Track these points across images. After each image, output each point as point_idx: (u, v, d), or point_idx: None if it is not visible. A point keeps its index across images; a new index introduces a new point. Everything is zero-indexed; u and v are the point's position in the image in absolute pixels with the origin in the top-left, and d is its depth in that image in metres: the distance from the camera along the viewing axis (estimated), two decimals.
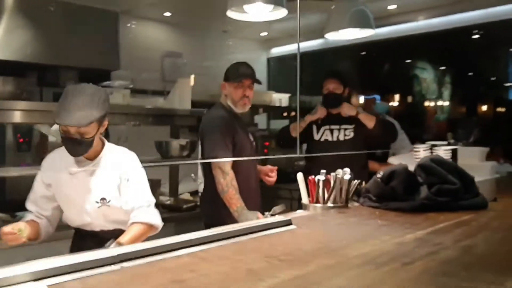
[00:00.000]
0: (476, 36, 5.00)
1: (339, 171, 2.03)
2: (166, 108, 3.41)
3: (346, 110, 3.23)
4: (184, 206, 3.23)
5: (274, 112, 5.87)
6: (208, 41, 5.35)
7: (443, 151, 2.75)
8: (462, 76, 5.19)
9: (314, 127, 3.33)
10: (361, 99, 4.79)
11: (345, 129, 3.27)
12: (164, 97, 3.62)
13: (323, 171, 1.99)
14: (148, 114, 3.20)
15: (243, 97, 2.73)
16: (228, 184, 2.52)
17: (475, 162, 3.24)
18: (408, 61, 5.82)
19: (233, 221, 2.40)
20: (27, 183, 2.22)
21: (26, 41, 3.82)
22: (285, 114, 5.45)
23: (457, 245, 1.23)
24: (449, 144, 3.84)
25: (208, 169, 2.65)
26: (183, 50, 5.17)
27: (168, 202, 3.41)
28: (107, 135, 2.55)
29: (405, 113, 5.46)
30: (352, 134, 3.25)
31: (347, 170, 2.02)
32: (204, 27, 5.21)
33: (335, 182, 1.92)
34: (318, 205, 1.90)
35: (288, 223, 1.50)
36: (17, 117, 2.90)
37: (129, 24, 4.78)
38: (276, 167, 2.82)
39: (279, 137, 3.63)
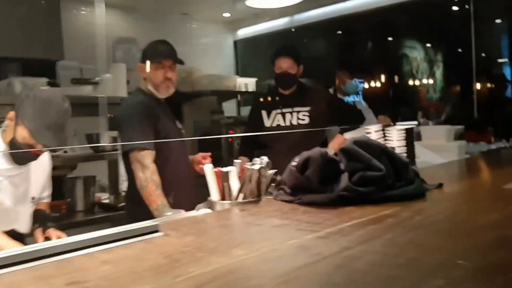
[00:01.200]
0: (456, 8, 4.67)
1: (257, 159, 1.72)
2: (89, 96, 3.09)
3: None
4: (120, 205, 2.93)
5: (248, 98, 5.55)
6: (167, 25, 5.02)
7: (397, 132, 2.43)
8: (453, 53, 4.86)
9: (264, 112, 3.01)
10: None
11: (298, 111, 2.94)
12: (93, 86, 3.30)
13: (237, 161, 1.69)
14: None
15: (165, 79, 2.41)
16: (147, 178, 2.22)
17: (442, 143, 2.93)
18: (390, 38, 5.51)
19: None
20: None
21: None
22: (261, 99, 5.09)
23: (341, 254, 0.92)
24: (419, 124, 3.53)
25: (129, 164, 2.34)
26: (138, 36, 4.84)
27: (107, 201, 3.11)
28: None
29: (394, 94, 5.16)
30: (307, 119, 2.93)
31: (264, 158, 1.71)
32: (160, 10, 4.88)
33: (245, 174, 1.61)
34: (226, 202, 1.60)
35: (153, 229, 1.18)
36: None
37: (74, 10, 4.46)
38: (209, 153, 2.50)
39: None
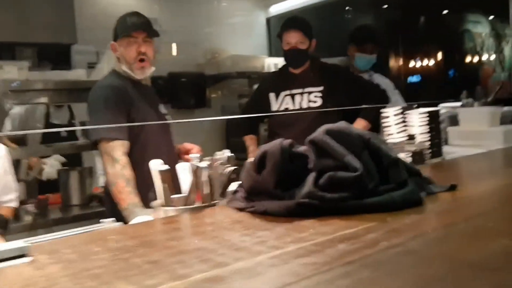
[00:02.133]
0: None
1: (217, 153, 1.40)
2: (80, 81, 2.85)
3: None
4: None
5: None
6: (191, 4, 4.72)
7: (418, 116, 2.02)
8: None
9: (272, 95, 2.64)
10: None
11: (310, 92, 2.56)
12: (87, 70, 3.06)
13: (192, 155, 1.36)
14: (60, 89, 2.66)
15: (138, 55, 2.10)
16: (116, 173, 1.94)
17: (483, 128, 2.45)
18: (445, 12, 4.93)
19: None
20: None
21: None
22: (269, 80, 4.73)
23: None
24: (462, 106, 3.02)
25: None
26: (159, 16, 4.57)
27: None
28: None
29: (455, 73, 4.64)
30: (319, 101, 2.54)
31: (226, 152, 1.38)
32: None
33: (193, 172, 1.28)
34: (169, 208, 1.28)
35: (21, 253, 0.89)
36: None
37: None
38: (197, 146, 2.19)
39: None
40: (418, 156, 1.90)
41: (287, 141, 1.18)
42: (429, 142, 1.98)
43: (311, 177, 1.12)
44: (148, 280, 0.70)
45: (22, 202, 2.51)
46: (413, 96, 4.01)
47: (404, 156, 1.88)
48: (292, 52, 2.52)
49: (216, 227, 1.04)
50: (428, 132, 1.98)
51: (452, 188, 1.26)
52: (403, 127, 2.03)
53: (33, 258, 0.86)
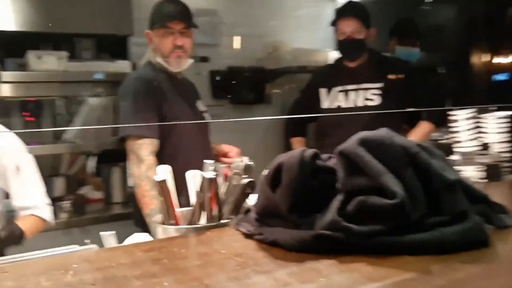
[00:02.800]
0: None
1: (237, 160, 1.17)
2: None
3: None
4: None
5: None
6: None
7: (494, 120, 1.68)
8: None
9: (323, 90, 2.36)
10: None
11: (367, 89, 2.26)
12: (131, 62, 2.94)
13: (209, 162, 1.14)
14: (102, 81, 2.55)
15: (175, 48, 1.91)
16: (141, 175, 1.77)
17: None
18: None
19: None
20: None
21: (35, 9, 3.41)
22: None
23: None
24: None
25: None
26: (219, 7, 4.40)
27: None
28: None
29: None
30: (377, 99, 2.23)
31: (244, 159, 1.15)
32: None
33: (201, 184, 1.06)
34: (167, 227, 1.07)
35: None
36: None
37: None
38: (236, 148, 1.98)
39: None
40: (492, 170, 1.56)
41: (309, 151, 0.92)
42: (509, 154, 1.63)
43: (336, 201, 0.86)
44: None
45: (59, 199, 2.42)
46: (499, 97, 3.54)
47: (473, 170, 1.55)
48: (347, 43, 2.24)
49: (204, 262, 0.81)
50: (509, 141, 1.63)
51: None
52: (476, 134, 1.69)
53: None
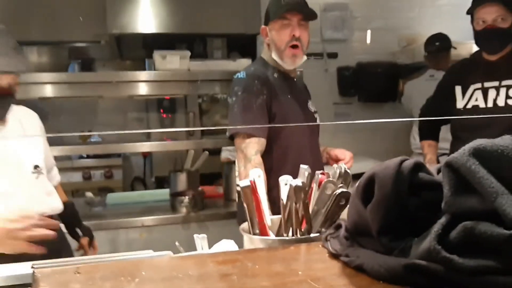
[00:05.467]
0: None
1: (335, 167, 1.07)
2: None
3: None
4: None
5: None
6: None
7: None
8: None
9: (459, 88, 2.10)
10: None
11: (509, 86, 1.94)
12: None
13: (287, 177, 1.04)
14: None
15: (292, 40, 1.85)
16: (247, 175, 1.71)
17: None
18: None
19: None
20: None
21: (170, 11, 3.64)
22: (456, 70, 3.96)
23: None
24: None
25: None
26: (351, 1, 4.22)
27: None
28: None
29: None
30: None
31: (341, 166, 1.04)
32: None
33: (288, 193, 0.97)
34: (253, 236, 0.99)
35: (21, 282, 0.71)
36: None
37: None
38: (350, 154, 1.83)
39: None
40: None
41: (410, 162, 0.77)
42: None
43: (438, 225, 0.70)
44: None
45: (181, 194, 2.51)
46: None
47: None
48: (487, 33, 1.94)
49: (273, 284, 0.72)
50: None
51: None
52: None
53: None
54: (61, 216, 1.74)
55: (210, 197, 2.67)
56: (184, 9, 3.44)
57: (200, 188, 2.58)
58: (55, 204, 1.71)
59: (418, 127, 2.48)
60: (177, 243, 1.20)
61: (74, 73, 3.40)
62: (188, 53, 2.68)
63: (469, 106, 2.03)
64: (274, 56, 1.94)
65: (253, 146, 1.79)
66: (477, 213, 0.67)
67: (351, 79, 4.17)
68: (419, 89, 3.40)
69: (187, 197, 2.44)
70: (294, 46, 1.90)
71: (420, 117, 2.43)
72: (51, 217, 1.61)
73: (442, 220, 0.70)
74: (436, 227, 0.70)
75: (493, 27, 1.92)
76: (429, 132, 2.31)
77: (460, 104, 2.05)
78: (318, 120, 2.01)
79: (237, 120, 1.85)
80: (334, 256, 0.82)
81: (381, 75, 4.14)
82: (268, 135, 1.84)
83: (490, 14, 1.93)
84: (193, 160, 2.71)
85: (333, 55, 4.21)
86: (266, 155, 1.82)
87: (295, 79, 2.02)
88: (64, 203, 1.76)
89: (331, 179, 0.99)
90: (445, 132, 2.29)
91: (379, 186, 0.77)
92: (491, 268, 0.63)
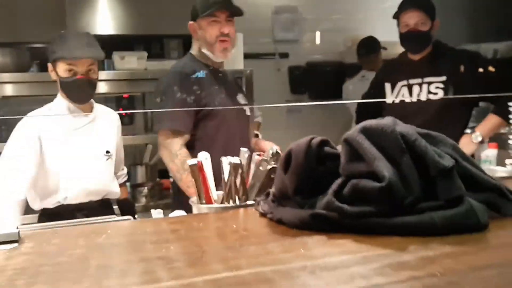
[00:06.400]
0: None
1: (270, 149, 1.28)
2: None
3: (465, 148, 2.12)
4: None
5: None
6: None
7: None
8: None
9: (388, 85, 2.36)
10: None
11: (430, 83, 2.22)
12: None
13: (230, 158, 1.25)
14: None
15: (221, 35, 1.98)
16: (179, 169, 1.88)
17: None
18: None
19: None
20: None
21: (128, 13, 3.76)
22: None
23: None
24: None
25: None
26: (300, 4, 4.47)
27: None
28: None
29: None
30: (441, 93, 2.19)
31: (273, 148, 1.25)
32: None
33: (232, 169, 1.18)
34: (201, 205, 1.20)
35: (8, 239, 0.89)
36: None
37: None
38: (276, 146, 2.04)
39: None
40: None
41: (317, 139, 1.00)
42: None
43: (335, 184, 0.93)
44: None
45: (140, 185, 2.68)
46: None
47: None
48: (410, 35, 2.21)
49: (214, 234, 0.93)
50: None
51: None
52: None
53: (15, 246, 0.86)
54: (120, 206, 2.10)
55: (167, 188, 2.84)
56: (142, 11, 3.58)
57: (158, 179, 2.76)
58: (116, 189, 2.09)
59: (355, 121, 2.73)
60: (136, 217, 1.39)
61: (34, 73, 3.49)
62: (145, 54, 2.84)
63: (397, 100, 2.29)
64: (205, 50, 2.04)
65: (178, 142, 1.91)
66: (362, 174, 0.90)
67: (302, 77, 4.43)
68: (353, 89, 3.70)
69: (146, 188, 2.61)
70: (223, 41, 2.01)
71: (357, 111, 2.68)
72: (108, 200, 2.04)
73: (339, 180, 0.93)
74: (334, 186, 0.92)
75: (415, 30, 2.19)
76: None
77: (389, 99, 2.32)
78: (248, 113, 2.13)
79: (162, 117, 1.97)
80: (263, 215, 1.03)
81: (329, 74, 4.42)
82: (196, 126, 1.96)
83: (413, 19, 2.20)
84: (152, 154, 2.88)
85: (284, 55, 4.45)
86: (194, 147, 1.93)
87: (222, 74, 2.12)
88: (124, 200, 2.18)
89: (265, 157, 1.21)
90: None
91: (294, 158, 0.99)
92: (370, 213, 0.85)
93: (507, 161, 1.63)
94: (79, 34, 2.10)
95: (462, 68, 2.15)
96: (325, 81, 4.40)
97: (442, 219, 0.83)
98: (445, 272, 0.64)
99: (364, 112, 2.52)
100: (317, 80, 4.39)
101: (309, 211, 0.92)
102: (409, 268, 0.67)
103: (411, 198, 0.86)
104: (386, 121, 0.97)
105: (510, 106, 1.81)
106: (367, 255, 0.73)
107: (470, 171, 0.94)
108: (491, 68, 2.19)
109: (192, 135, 1.99)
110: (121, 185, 2.22)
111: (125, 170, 2.29)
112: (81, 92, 1.93)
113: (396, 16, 2.28)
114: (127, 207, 2.09)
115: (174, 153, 1.93)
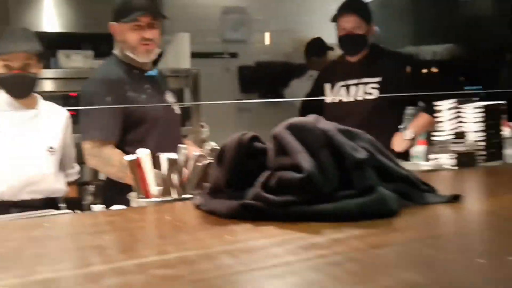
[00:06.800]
0: None
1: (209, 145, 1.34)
2: None
3: (397, 145, 2.27)
4: None
5: None
6: None
7: (472, 110, 1.75)
8: None
9: (328, 86, 2.48)
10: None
11: (366, 83, 2.35)
12: None
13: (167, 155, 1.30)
14: None
15: (142, 40, 1.92)
16: (118, 171, 1.82)
17: None
18: None
19: None
20: None
21: (74, 10, 3.71)
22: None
23: None
24: None
25: None
26: (248, 4, 4.55)
27: None
28: None
29: None
30: (375, 92, 2.32)
31: (211, 144, 1.31)
32: None
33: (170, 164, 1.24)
34: (139, 200, 1.25)
35: None
36: None
37: None
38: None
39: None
40: (466, 158, 1.64)
41: (248, 135, 1.07)
42: (485, 142, 1.69)
43: (263, 177, 1.00)
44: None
45: (86, 183, 2.67)
46: None
47: (447, 157, 1.64)
48: (347, 38, 2.33)
49: (149, 224, 0.98)
50: (484, 130, 1.69)
51: (455, 198, 1.05)
52: (456, 123, 1.77)
53: None
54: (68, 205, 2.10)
55: None
56: (90, 10, 3.56)
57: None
58: (61, 187, 2.10)
59: None
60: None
61: None
62: (91, 53, 2.83)
63: (336, 100, 2.41)
64: (128, 52, 1.96)
65: (107, 147, 1.86)
66: (287, 167, 0.98)
67: (251, 77, 4.51)
68: (300, 88, 3.82)
69: (92, 186, 2.61)
70: (146, 44, 1.93)
71: (300, 110, 2.78)
72: (54, 199, 2.06)
73: (266, 173, 1.00)
74: (261, 178, 1.00)
75: (351, 34, 2.31)
76: None
77: (328, 99, 2.43)
78: (178, 111, 2.09)
79: (89, 127, 1.88)
80: (198, 207, 1.09)
81: (278, 74, 4.52)
82: (126, 131, 1.90)
83: (349, 23, 2.31)
84: None
85: (233, 55, 4.51)
86: (126, 152, 1.81)
87: (148, 74, 2.03)
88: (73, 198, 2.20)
89: (202, 153, 1.27)
90: None
91: (226, 153, 1.06)
92: (292, 201, 0.93)
93: (430, 156, 1.76)
94: (15, 29, 2.11)
95: (394, 69, 2.29)
96: (273, 81, 4.50)
97: (356, 206, 0.92)
98: (348, 250, 0.73)
99: (305, 112, 2.62)
100: (266, 80, 4.49)
101: (239, 201, 0.99)
102: (319, 248, 0.75)
103: (329, 188, 0.95)
104: (309, 118, 1.05)
105: (436, 105, 1.94)
106: (285, 238, 0.81)
107: (384, 164, 1.04)
108: (423, 70, 2.34)
109: (121, 141, 1.93)
110: (71, 183, 2.21)
111: (77, 168, 2.27)
112: (18, 87, 1.95)
113: (334, 19, 2.39)
114: (77, 206, 2.06)
115: (108, 157, 1.87)
